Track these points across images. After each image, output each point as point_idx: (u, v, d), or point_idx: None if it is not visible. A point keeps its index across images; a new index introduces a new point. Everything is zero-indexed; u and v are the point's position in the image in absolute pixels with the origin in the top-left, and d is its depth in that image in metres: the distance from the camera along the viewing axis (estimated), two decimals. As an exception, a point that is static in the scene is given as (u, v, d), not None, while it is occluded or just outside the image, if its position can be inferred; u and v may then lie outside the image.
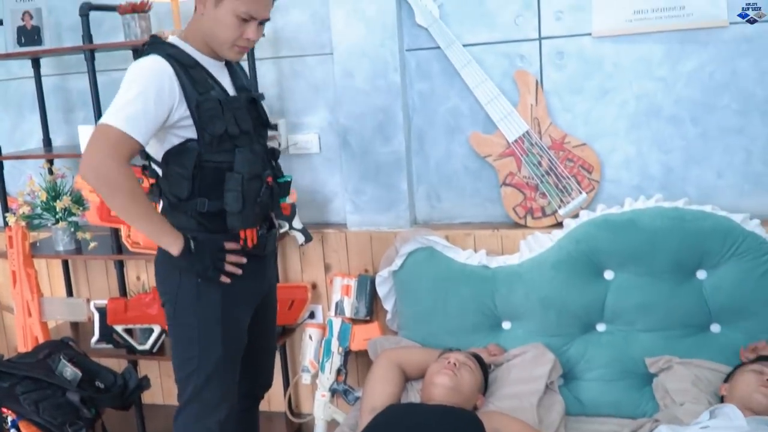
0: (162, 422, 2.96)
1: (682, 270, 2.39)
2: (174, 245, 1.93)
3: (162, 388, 3.23)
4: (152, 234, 1.94)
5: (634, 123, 2.57)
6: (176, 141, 1.93)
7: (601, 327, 2.49)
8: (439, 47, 2.65)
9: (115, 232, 2.84)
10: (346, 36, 2.69)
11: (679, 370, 2.31)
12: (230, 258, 1.99)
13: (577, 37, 2.55)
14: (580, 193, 2.60)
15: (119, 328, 2.85)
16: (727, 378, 2.22)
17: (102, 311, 2.86)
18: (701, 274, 2.39)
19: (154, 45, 1.94)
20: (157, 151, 1.98)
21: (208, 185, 1.96)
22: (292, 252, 2.94)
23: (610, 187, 2.63)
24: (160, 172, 2.01)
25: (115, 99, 1.85)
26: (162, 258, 2.04)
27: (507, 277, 2.52)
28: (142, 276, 3.20)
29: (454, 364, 2.19)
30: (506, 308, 2.52)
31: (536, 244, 2.54)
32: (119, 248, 2.86)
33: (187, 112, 1.90)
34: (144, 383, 2.61)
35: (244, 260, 2.02)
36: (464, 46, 2.63)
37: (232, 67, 2.09)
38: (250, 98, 2.07)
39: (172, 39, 1.99)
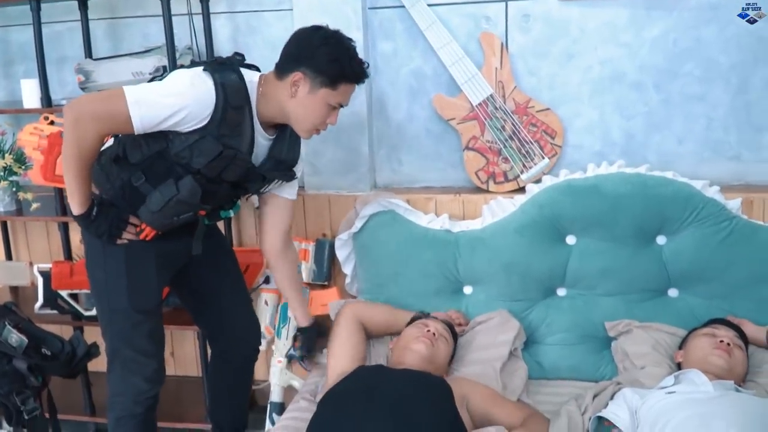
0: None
1: (643, 235, 2.41)
2: (78, 206, 1.92)
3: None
4: (69, 188, 1.91)
5: (598, 88, 2.56)
6: (163, 126, 1.86)
7: (561, 291, 2.50)
8: (403, 6, 2.59)
9: (60, 193, 2.70)
10: (307, -9, 2.60)
11: (638, 333, 2.33)
12: (129, 229, 2.01)
13: (544, 0, 2.52)
14: (543, 158, 2.59)
15: (64, 293, 2.73)
16: (681, 344, 2.25)
17: (46, 275, 2.72)
18: (661, 240, 2.42)
19: (220, 65, 1.90)
20: None
21: (154, 170, 1.94)
22: (247, 216, 2.85)
23: (572, 152, 2.62)
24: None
25: (152, 84, 1.86)
26: None
27: (470, 241, 2.50)
28: (86, 239, 3.06)
29: (433, 334, 2.17)
30: (468, 273, 2.50)
31: (499, 208, 2.53)
32: (63, 210, 2.72)
33: (192, 131, 1.86)
34: (93, 350, 2.50)
35: (141, 237, 2.03)
36: (429, 5, 2.57)
37: (282, 136, 2.05)
38: (261, 175, 2.04)
39: (249, 75, 1.93)
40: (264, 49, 2.78)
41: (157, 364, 2.20)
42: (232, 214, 2.24)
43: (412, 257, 2.51)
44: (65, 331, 2.70)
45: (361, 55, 2.56)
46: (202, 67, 1.88)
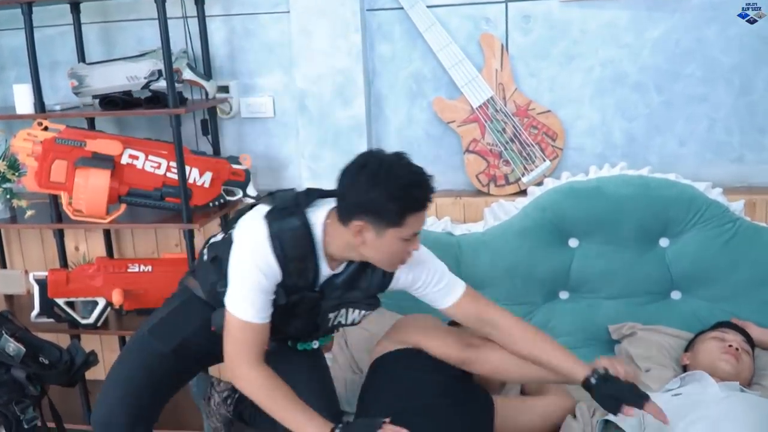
0: None
1: (646, 238, 2.40)
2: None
3: (105, 363, 3.07)
4: (297, 426, 1.78)
5: (599, 90, 2.55)
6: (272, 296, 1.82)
7: (564, 295, 2.49)
8: (401, 8, 2.56)
9: (54, 200, 2.66)
10: (303, -7, 2.57)
11: (642, 336, 2.33)
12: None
13: (544, 1, 2.50)
14: (544, 160, 2.57)
15: (61, 301, 2.69)
16: (688, 347, 2.24)
17: (42, 283, 2.68)
18: (664, 242, 2.41)
19: (281, 211, 1.77)
20: None
21: None
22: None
23: (573, 155, 2.61)
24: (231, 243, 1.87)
25: (234, 288, 1.79)
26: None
27: (472, 245, 2.48)
28: (81, 246, 3.02)
29: None
30: (471, 276, 2.44)
31: (501, 211, 2.51)
32: (59, 216, 2.68)
33: None
34: (91, 359, 2.47)
35: None
36: (428, 7, 2.55)
37: (343, 274, 1.89)
38: (326, 311, 1.91)
39: (315, 215, 1.79)
40: (260, 52, 2.75)
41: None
42: (314, 345, 2.06)
43: (414, 262, 2.49)
44: (62, 340, 2.67)
45: (359, 57, 2.59)
46: (262, 215, 1.77)
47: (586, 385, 1.84)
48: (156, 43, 2.49)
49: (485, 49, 2.54)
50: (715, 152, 2.52)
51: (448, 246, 2.48)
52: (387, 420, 1.74)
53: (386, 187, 1.66)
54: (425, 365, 2.03)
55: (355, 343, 2.38)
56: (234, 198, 2.71)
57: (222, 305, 1.85)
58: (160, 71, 2.55)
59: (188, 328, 1.99)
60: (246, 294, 1.78)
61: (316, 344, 2.04)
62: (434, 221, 2.55)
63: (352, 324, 1.98)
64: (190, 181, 2.60)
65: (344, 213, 1.73)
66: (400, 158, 1.71)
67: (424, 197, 1.71)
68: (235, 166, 2.68)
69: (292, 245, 1.76)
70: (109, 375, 2.05)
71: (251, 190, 2.68)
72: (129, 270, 2.70)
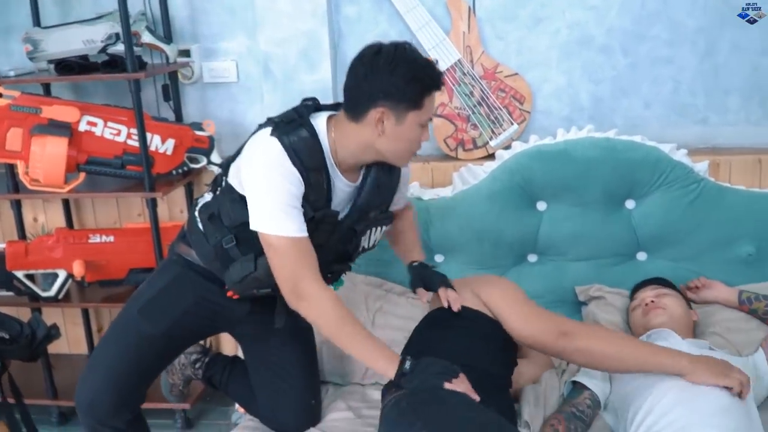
0: (69, 372, 2.80)
1: (613, 200, 2.41)
2: (390, 368, 1.71)
3: (67, 336, 3.02)
4: (366, 358, 1.75)
5: (566, 53, 2.54)
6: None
7: (533, 258, 2.50)
8: (367, -32, 2.52)
9: (11, 169, 2.58)
10: (267, -47, 2.50)
11: (610, 301, 2.35)
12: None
13: (511, -38, 2.48)
14: (512, 124, 2.57)
15: (20, 274, 2.62)
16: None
17: (0, 256, 2.61)
18: (630, 204, 2.42)
19: (288, 125, 1.75)
20: (239, 185, 1.81)
21: (245, 235, 1.80)
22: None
23: (540, 118, 2.61)
24: (227, 192, 1.84)
25: (258, 200, 1.73)
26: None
27: (440, 209, 2.47)
28: (40, 217, 2.95)
29: None
30: (440, 241, 2.48)
31: (470, 175, 2.50)
32: (15, 186, 2.60)
33: None
34: (53, 332, 2.40)
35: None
36: (394, -32, 2.51)
37: (367, 187, 1.88)
38: (350, 227, 1.88)
39: (318, 122, 1.78)
40: (223, 14, 2.69)
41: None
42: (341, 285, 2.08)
43: (383, 226, 2.47)
44: (23, 314, 2.59)
45: (325, 19, 2.54)
46: (270, 130, 1.75)
47: (409, 266, 2.07)
48: (113, 5, 2.41)
49: (452, 12, 2.52)
50: (680, 114, 2.55)
51: (417, 211, 2.46)
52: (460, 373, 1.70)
53: (406, 69, 1.69)
54: (490, 335, 1.92)
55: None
56: (198, 165, 2.66)
57: (230, 262, 1.81)
58: (117, 34, 2.47)
59: (180, 308, 1.94)
60: (281, 208, 1.71)
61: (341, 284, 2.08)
62: (402, 186, 2.53)
63: (372, 247, 1.99)
64: (152, 148, 2.55)
65: (359, 106, 1.73)
66: (407, 44, 1.75)
67: (438, 76, 1.76)
68: (198, 133, 2.62)
69: (308, 155, 1.74)
70: (96, 355, 2.00)
71: (215, 157, 2.63)
72: (90, 241, 2.65)
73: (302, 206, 1.75)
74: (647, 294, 2.19)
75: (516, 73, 2.55)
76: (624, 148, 2.38)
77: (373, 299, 2.39)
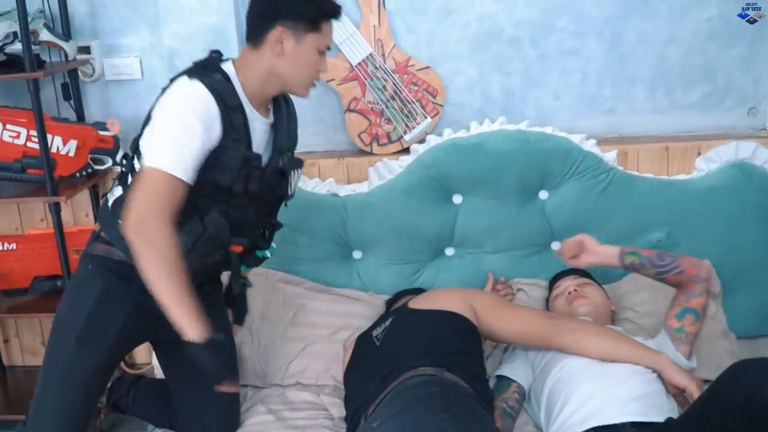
0: (24, 383, 2.74)
1: (526, 191, 2.44)
2: (194, 331, 1.68)
3: (21, 347, 2.89)
4: (175, 314, 1.67)
5: (476, 45, 2.54)
6: (203, 157, 1.72)
7: (450, 251, 2.50)
8: (274, -39, 2.45)
9: None
10: (168, -57, 2.41)
11: (528, 291, 2.38)
12: None
13: (419, -47, 2.47)
14: (425, 117, 2.56)
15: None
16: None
17: None
18: (543, 195, 2.45)
19: (202, 69, 1.77)
20: None
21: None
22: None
23: (453, 111, 2.60)
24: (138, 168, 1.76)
25: (160, 132, 1.67)
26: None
27: (357, 205, 2.45)
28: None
29: None
30: (357, 237, 2.46)
31: (385, 170, 2.48)
32: None
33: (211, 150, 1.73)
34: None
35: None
36: (301, -40, 2.45)
37: (280, 127, 1.90)
38: (279, 169, 1.87)
39: (226, 67, 1.80)
40: (123, 9, 2.58)
41: None
42: (268, 255, 2.01)
43: (300, 223, 2.41)
44: None
45: (232, 13, 2.47)
46: (186, 76, 1.73)
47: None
48: (11, 3, 2.28)
49: (362, 5, 2.48)
50: (588, 104, 2.59)
51: (334, 208, 2.44)
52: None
53: None
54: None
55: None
56: (103, 167, 2.56)
57: None
58: (15, 33, 2.34)
59: (119, 320, 1.85)
60: (175, 139, 1.67)
61: (268, 254, 2.02)
62: (318, 183, 2.49)
63: (292, 195, 1.99)
64: (53, 150, 2.43)
65: (260, 29, 1.78)
66: None
67: (337, 7, 1.83)
68: (102, 133, 2.52)
69: (226, 94, 1.73)
70: (41, 393, 1.88)
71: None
72: (-10, 249, 2.52)
73: (230, 149, 1.74)
74: (569, 283, 2.22)
75: (428, 67, 2.53)
76: (536, 140, 2.41)
77: (292, 297, 2.36)
